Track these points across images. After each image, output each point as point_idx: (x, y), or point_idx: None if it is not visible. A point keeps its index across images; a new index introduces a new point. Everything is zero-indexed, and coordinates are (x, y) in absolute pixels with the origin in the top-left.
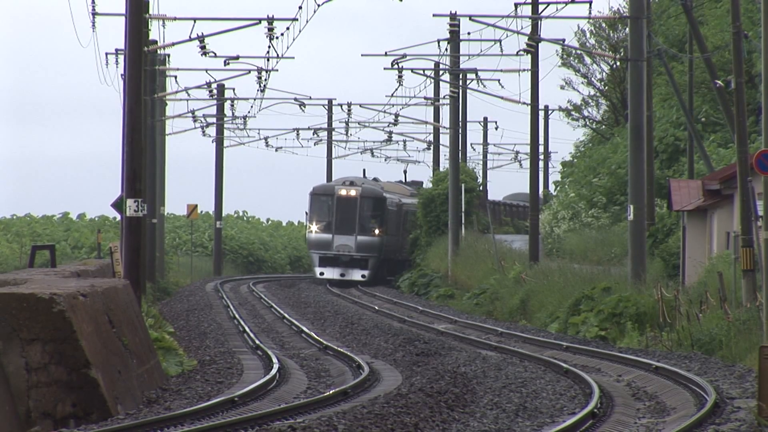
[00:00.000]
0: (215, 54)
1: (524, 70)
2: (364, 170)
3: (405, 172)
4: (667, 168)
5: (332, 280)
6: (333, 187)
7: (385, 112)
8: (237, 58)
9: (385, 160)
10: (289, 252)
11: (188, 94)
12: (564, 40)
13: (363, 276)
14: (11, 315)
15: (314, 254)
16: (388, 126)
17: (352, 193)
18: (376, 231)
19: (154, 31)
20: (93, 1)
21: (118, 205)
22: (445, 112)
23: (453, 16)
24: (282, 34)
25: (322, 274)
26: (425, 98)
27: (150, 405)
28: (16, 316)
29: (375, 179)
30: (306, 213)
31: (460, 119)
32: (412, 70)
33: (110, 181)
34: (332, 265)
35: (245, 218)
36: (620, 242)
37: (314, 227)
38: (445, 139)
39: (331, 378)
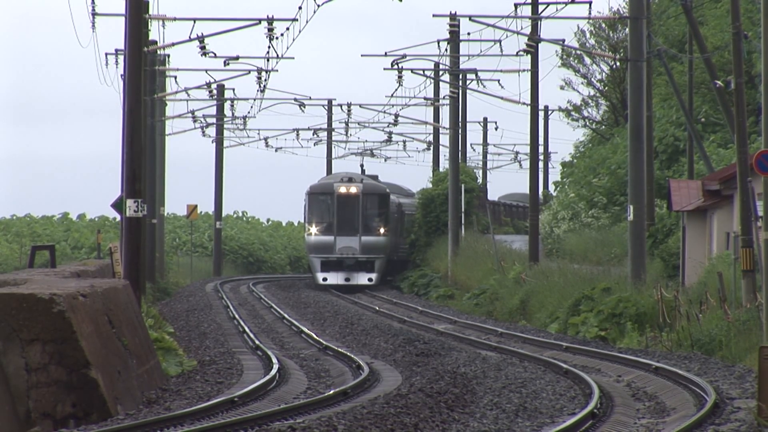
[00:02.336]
0: (215, 54)
1: (524, 70)
2: (361, 165)
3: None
4: (667, 168)
5: (336, 286)
6: (332, 184)
7: (385, 112)
8: (237, 58)
9: (385, 160)
10: (289, 252)
11: (188, 95)
12: (564, 41)
13: (370, 279)
14: (11, 315)
15: (315, 259)
16: (388, 126)
17: (353, 190)
18: (381, 230)
19: (154, 31)
20: (93, 1)
21: (118, 205)
22: (445, 113)
23: (453, 17)
24: (282, 35)
25: (325, 279)
26: (425, 98)
27: (150, 405)
28: (16, 317)
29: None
30: (304, 214)
31: (460, 119)
32: (412, 70)
33: (110, 181)
34: (335, 269)
35: (245, 218)
36: (620, 242)
37: (314, 229)
38: (445, 139)
39: (331, 378)
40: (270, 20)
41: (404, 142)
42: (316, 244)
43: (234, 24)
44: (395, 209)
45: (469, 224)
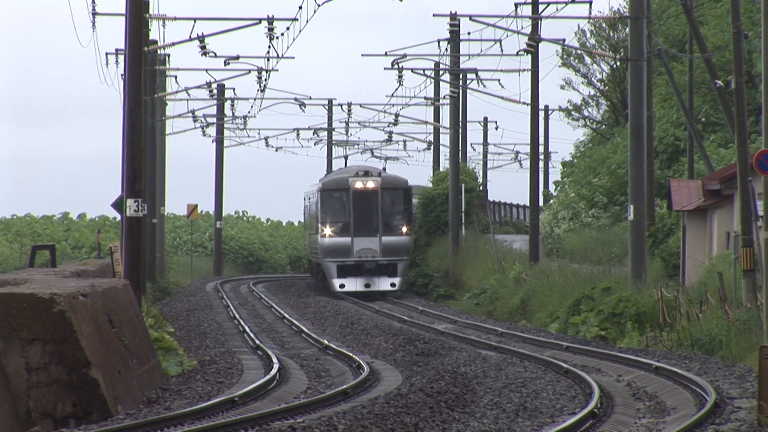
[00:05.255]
0: (215, 54)
1: (524, 70)
2: (345, 157)
3: (346, 158)
4: (667, 168)
5: (355, 293)
6: (346, 179)
7: (385, 112)
8: (237, 58)
9: (386, 160)
10: (289, 252)
11: (188, 94)
12: (564, 40)
13: (393, 285)
14: (11, 315)
15: (330, 263)
16: (389, 126)
17: (371, 185)
18: (404, 229)
19: (154, 31)
20: (93, 1)
21: (118, 205)
22: (445, 112)
23: (453, 16)
24: (282, 34)
25: (342, 286)
26: (425, 98)
27: (150, 405)
28: (16, 316)
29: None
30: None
31: (460, 119)
32: (412, 70)
33: (110, 181)
34: (354, 274)
35: (245, 218)
36: (620, 242)
37: (327, 230)
38: (445, 139)
39: (331, 378)
40: (270, 20)
41: (404, 141)
42: (331, 246)
43: (234, 24)
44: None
45: (469, 224)
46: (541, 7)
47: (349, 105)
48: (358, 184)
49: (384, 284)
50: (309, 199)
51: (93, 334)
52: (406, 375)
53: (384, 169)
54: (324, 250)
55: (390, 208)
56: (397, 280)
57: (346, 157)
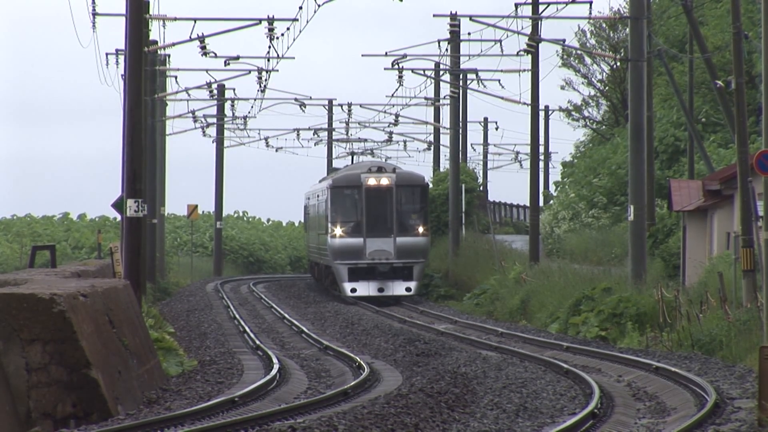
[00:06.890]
0: (215, 54)
1: (524, 70)
2: (351, 154)
3: (352, 154)
4: (668, 168)
5: (368, 297)
6: (358, 175)
7: (385, 112)
8: (237, 58)
9: (385, 160)
10: (290, 252)
11: (188, 95)
12: (564, 41)
13: (408, 289)
14: (11, 315)
15: (341, 266)
16: (389, 126)
17: (384, 181)
18: (420, 229)
19: (154, 31)
20: (93, 1)
21: (119, 205)
22: (445, 113)
23: (453, 17)
24: (282, 35)
25: (353, 290)
26: (425, 98)
27: (150, 405)
28: (17, 317)
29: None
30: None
31: (461, 119)
32: (412, 70)
33: (110, 181)
34: (366, 278)
35: (245, 218)
36: (620, 242)
37: (338, 230)
38: (445, 139)
39: (332, 378)
40: (270, 20)
41: (405, 142)
42: (342, 247)
43: (234, 24)
44: None
45: (469, 224)
46: (541, 8)
47: (350, 105)
48: (371, 181)
49: (399, 289)
50: (318, 197)
51: (93, 334)
52: (406, 375)
53: None
54: (334, 252)
55: (405, 207)
56: (412, 284)
57: (352, 155)
